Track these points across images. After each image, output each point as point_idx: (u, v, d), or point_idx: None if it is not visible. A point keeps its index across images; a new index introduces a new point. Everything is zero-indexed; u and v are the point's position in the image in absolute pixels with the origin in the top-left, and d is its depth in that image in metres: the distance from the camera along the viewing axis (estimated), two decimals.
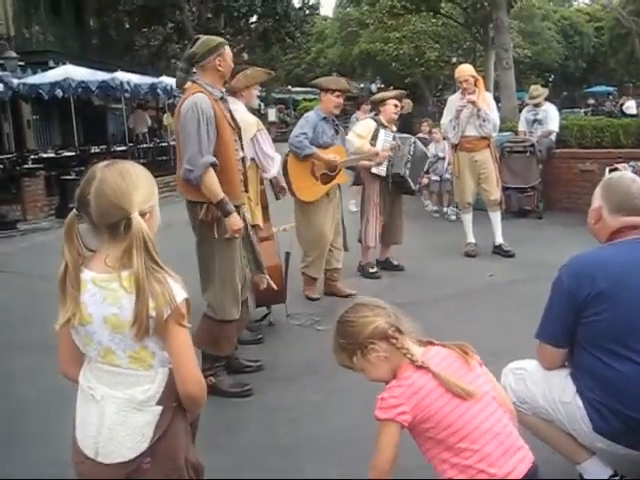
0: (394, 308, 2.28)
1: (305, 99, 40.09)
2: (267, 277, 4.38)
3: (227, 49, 3.93)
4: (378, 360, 2.21)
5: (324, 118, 5.86)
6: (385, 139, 6.50)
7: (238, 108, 4.69)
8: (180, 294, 1.93)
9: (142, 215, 1.92)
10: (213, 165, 3.74)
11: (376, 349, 2.20)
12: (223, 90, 4.05)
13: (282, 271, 5.16)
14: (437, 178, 10.30)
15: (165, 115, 19.66)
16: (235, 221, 3.82)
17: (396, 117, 6.67)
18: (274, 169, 5.03)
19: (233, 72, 4.38)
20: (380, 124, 6.54)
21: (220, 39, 3.99)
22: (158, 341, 1.96)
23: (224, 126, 3.84)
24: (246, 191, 4.22)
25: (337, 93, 5.81)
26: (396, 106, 6.60)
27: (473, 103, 7.04)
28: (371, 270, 6.72)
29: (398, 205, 6.82)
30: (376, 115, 6.74)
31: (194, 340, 3.65)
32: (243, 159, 4.14)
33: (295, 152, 5.78)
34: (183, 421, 2.04)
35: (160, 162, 16.91)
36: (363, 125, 6.63)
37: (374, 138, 6.47)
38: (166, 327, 1.91)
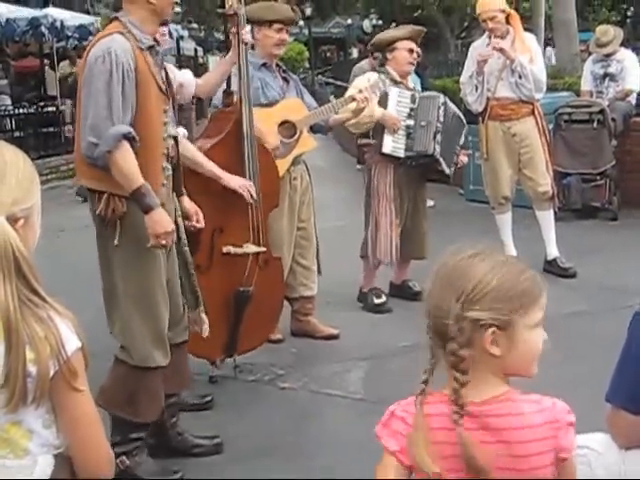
0: None
1: None
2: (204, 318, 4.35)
3: None
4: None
5: (264, 65, 5.81)
6: (399, 101, 6.47)
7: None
8: (72, 341, 1.92)
9: (13, 222, 1.92)
10: (129, 139, 3.72)
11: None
12: (157, 36, 4.03)
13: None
14: None
15: (62, 64, 19.46)
16: (162, 219, 3.76)
17: (412, 68, 6.73)
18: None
19: None
20: (389, 79, 6.51)
21: None
22: (40, 413, 1.94)
23: (149, 88, 3.84)
24: (179, 193, 4.17)
25: (277, 26, 5.78)
26: (412, 51, 6.61)
27: (501, 51, 7.04)
28: (377, 301, 6.69)
29: (421, 200, 6.85)
30: (382, 66, 6.77)
31: (99, 398, 3.58)
32: (176, 140, 4.10)
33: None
34: None
35: (46, 136, 16.74)
36: (362, 81, 6.49)
37: (382, 100, 6.42)
38: (54, 391, 1.90)
